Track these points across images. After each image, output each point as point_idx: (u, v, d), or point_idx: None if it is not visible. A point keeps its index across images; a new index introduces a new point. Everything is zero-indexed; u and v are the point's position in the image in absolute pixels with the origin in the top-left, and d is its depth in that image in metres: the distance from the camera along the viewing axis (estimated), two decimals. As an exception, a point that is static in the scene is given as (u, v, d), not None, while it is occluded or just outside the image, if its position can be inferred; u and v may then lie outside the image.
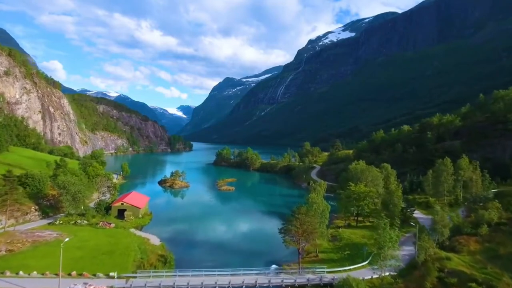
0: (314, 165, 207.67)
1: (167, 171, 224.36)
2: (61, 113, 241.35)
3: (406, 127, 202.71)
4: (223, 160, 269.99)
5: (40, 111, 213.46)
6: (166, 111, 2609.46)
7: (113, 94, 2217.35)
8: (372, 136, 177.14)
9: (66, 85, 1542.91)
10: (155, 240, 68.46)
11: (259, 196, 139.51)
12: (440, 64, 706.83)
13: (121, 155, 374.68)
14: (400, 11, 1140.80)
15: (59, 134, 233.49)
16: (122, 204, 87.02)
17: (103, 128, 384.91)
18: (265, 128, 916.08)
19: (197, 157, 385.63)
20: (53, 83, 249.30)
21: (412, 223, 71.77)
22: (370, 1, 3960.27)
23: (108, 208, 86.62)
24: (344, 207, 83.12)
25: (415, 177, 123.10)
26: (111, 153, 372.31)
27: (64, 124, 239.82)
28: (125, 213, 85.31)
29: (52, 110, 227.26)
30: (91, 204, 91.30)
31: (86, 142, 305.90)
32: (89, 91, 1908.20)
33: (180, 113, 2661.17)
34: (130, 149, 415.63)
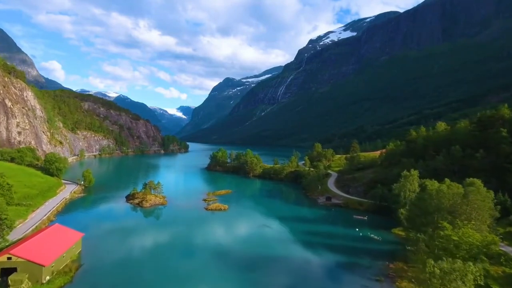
0: (329, 171, 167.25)
1: (150, 178, 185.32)
2: (23, 108, 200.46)
3: (442, 123, 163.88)
4: (218, 164, 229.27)
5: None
6: (166, 111, 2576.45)
7: (112, 94, 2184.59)
8: (409, 135, 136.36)
9: (65, 85, 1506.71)
10: None
11: (261, 221, 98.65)
12: (445, 63, 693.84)
13: (106, 157, 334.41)
14: (401, 11, 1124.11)
15: (19, 133, 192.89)
16: (9, 259, 46.53)
17: (86, 127, 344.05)
18: (266, 128, 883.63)
19: (192, 159, 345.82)
20: (14, 72, 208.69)
21: None
22: (370, 0, 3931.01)
23: (-18, 266, 46.17)
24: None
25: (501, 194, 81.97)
26: (95, 155, 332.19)
27: (27, 121, 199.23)
28: (11, 277, 44.80)
29: (9, 104, 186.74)
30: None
31: (61, 143, 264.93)
32: (89, 91, 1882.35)
33: (179, 114, 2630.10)
34: (118, 150, 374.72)
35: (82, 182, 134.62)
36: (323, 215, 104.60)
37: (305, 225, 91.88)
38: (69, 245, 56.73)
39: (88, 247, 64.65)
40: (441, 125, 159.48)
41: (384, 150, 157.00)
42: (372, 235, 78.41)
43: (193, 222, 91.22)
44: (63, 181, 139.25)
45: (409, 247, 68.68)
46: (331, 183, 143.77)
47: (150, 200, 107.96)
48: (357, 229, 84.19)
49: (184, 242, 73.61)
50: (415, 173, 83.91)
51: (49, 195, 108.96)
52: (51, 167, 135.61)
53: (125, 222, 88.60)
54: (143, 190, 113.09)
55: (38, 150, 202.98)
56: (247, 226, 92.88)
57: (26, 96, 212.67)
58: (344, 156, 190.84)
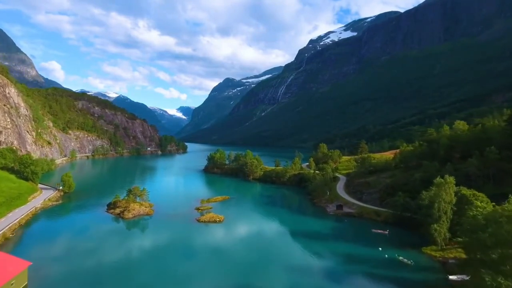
0: (336, 174, 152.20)
1: (143, 181, 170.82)
2: (4, 105, 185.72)
3: (460, 122, 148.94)
4: (215, 166, 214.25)
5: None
6: (166, 112, 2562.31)
7: (112, 95, 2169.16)
8: (429, 134, 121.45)
9: (65, 85, 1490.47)
10: None
11: (262, 236, 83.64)
12: (447, 63, 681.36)
13: (99, 159, 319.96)
14: (401, 11, 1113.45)
15: (0, 132, 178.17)
16: None
17: (79, 126, 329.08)
18: (266, 128, 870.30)
19: (189, 161, 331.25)
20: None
21: None
22: (370, 0, 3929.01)
23: None
24: None
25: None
26: (87, 156, 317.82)
27: (8, 120, 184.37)
28: None
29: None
30: None
31: (49, 143, 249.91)
32: (89, 91, 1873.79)
33: (179, 114, 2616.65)
34: (112, 151, 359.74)
35: (61, 188, 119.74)
36: (335, 227, 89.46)
37: (315, 242, 76.75)
38: (5, 280, 41.81)
39: (38, 279, 49.77)
40: (460, 124, 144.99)
41: (398, 151, 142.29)
42: (401, 258, 63.45)
43: (180, 238, 76.14)
44: (40, 186, 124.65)
45: (451, 277, 54.18)
46: (340, 188, 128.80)
47: (134, 209, 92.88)
48: (380, 248, 69.15)
49: (167, 267, 58.51)
50: (451, 180, 69.07)
51: (17, 204, 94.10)
52: (25, 171, 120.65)
53: (96, 240, 73.14)
54: (126, 198, 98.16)
55: (21, 151, 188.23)
56: (245, 242, 77.80)
57: (9, 93, 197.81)
58: (353, 157, 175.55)
